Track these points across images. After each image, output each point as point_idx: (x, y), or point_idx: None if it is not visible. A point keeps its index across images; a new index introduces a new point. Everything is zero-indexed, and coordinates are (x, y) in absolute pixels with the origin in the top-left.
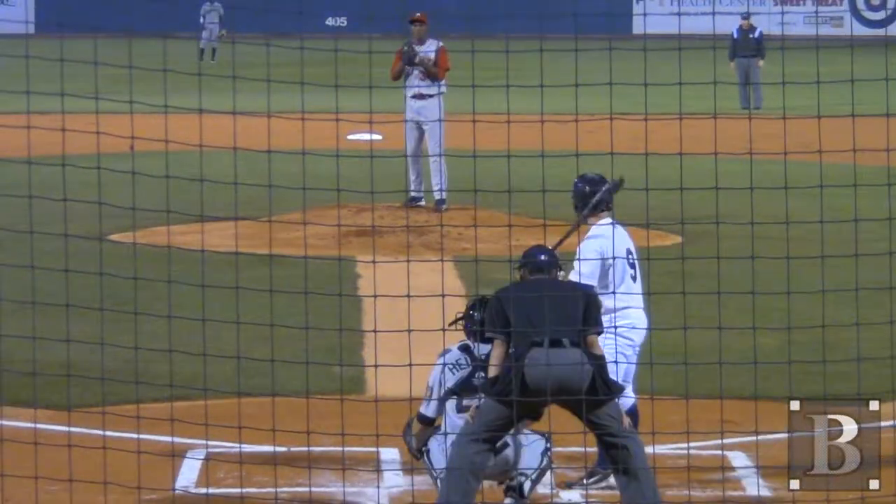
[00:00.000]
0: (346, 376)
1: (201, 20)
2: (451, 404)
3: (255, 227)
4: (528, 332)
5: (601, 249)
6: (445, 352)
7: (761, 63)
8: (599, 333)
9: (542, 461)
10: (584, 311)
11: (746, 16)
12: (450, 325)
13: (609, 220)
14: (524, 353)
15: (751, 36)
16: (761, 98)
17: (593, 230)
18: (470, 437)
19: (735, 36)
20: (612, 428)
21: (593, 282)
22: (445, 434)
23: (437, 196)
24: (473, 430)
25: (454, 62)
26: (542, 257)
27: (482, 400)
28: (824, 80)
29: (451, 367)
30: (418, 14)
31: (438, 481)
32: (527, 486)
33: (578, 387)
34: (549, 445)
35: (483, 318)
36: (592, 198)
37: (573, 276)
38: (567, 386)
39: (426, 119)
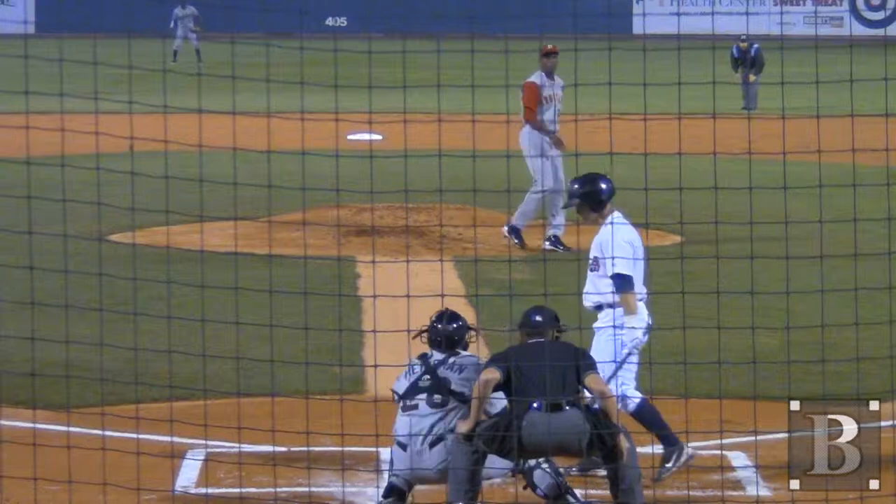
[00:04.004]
0: (346, 376)
1: (172, 24)
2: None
3: (254, 227)
4: (527, 397)
5: (631, 239)
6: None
7: (752, 78)
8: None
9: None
10: (577, 366)
11: (745, 39)
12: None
13: (619, 213)
14: (521, 415)
15: (748, 56)
16: (755, 99)
17: (617, 223)
18: (464, 443)
19: (735, 55)
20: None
21: (630, 272)
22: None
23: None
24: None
25: (455, 62)
26: (538, 318)
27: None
28: (823, 80)
29: (405, 372)
30: (551, 45)
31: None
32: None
33: (577, 448)
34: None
35: (444, 328)
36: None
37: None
38: (565, 448)
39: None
